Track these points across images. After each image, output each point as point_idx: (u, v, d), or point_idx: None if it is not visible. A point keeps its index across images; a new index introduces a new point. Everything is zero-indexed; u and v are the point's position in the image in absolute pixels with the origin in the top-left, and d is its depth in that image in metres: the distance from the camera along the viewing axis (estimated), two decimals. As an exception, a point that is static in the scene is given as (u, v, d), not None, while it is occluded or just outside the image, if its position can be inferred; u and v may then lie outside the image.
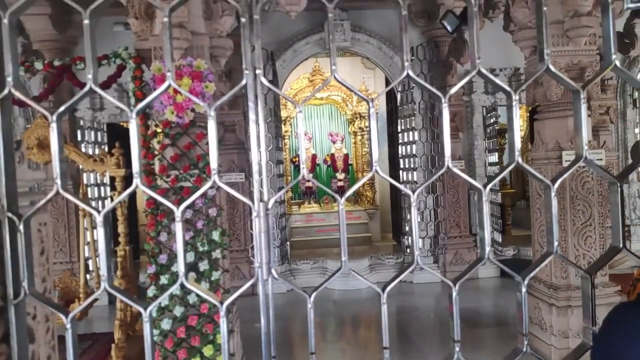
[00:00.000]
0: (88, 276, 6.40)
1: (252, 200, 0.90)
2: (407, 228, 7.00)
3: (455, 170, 0.93)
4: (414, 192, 0.91)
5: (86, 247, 6.34)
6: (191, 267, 3.49)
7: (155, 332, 3.42)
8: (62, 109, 0.88)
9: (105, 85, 3.74)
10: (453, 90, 0.92)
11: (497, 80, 0.93)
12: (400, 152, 7.10)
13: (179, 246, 0.88)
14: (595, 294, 3.82)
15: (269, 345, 0.88)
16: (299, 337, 5.32)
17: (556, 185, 0.96)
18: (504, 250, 6.98)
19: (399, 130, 7.10)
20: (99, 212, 0.87)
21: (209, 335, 3.44)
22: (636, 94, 7.29)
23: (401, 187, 0.92)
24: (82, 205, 0.88)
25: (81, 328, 5.11)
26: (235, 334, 3.78)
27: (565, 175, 0.98)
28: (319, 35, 6.53)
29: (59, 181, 0.87)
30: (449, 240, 6.80)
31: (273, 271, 0.90)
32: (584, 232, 3.86)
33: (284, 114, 8.99)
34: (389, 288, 0.92)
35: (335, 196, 0.91)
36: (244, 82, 0.90)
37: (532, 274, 0.95)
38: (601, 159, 3.92)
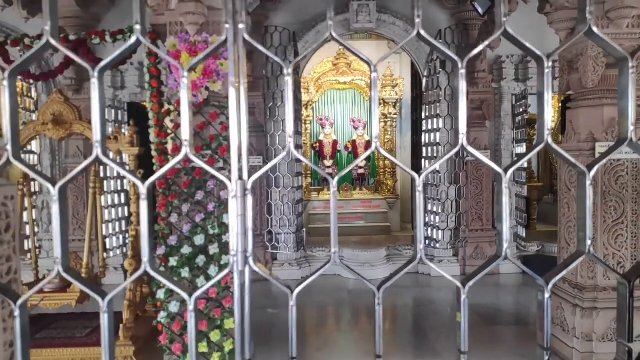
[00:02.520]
0: (105, 255, 6.46)
1: (230, 178, 0.78)
2: (427, 219, 6.81)
3: (470, 149, 0.79)
4: (420, 175, 0.77)
5: (104, 226, 6.39)
6: (201, 249, 3.42)
7: (163, 314, 3.39)
8: (14, 65, 0.77)
9: (120, 61, 3.67)
10: (474, 52, 0.77)
11: (527, 44, 0.77)
12: (423, 140, 6.87)
13: (144, 229, 0.76)
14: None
15: (243, 347, 0.76)
16: (311, 326, 5.24)
17: (592, 172, 0.80)
18: (527, 246, 6.73)
19: (423, 117, 6.87)
20: (54, 184, 0.76)
21: (217, 320, 3.38)
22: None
23: (406, 169, 0.78)
24: (33, 175, 0.77)
25: (94, 306, 5.15)
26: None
27: (604, 161, 0.82)
28: (343, 16, 6.32)
29: (9, 148, 0.76)
30: (470, 234, 6.59)
31: (250, 261, 0.77)
32: (615, 230, 3.62)
33: (305, 98, 8.84)
34: (385, 286, 0.78)
35: (328, 177, 0.78)
36: (223, 37, 0.77)
37: (558, 277, 0.80)
38: None
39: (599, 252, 3.62)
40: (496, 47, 5.99)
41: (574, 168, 0.80)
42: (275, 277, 0.78)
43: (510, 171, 0.78)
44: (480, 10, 5.60)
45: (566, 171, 3.88)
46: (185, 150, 0.76)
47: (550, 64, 0.78)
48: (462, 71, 0.77)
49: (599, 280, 3.61)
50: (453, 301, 5.68)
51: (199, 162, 0.76)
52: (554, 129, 10.73)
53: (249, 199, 0.77)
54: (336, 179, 0.78)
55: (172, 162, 0.78)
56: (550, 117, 0.79)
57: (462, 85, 0.78)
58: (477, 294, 5.88)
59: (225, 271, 0.78)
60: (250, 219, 0.78)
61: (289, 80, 0.77)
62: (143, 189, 0.76)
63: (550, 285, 0.78)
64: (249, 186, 0.77)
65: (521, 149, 6.77)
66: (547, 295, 0.79)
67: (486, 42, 0.80)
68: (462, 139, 0.77)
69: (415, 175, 0.77)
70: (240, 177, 0.77)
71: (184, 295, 0.77)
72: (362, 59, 0.79)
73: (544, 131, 0.79)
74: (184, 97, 0.77)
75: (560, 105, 10.22)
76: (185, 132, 0.77)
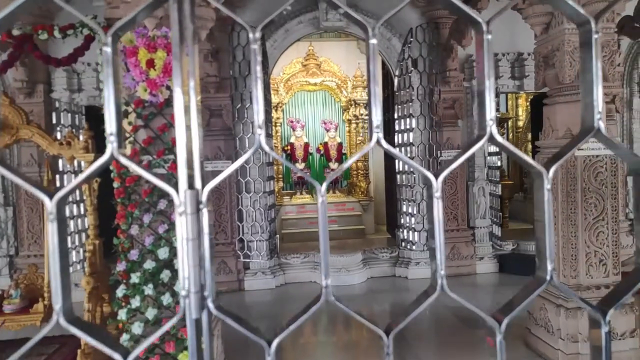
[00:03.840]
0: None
1: (177, 188, 0.55)
2: (402, 221, 6.68)
3: (499, 138, 0.59)
4: (437, 176, 0.57)
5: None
6: (166, 264, 3.15)
7: (125, 337, 3.09)
8: None
9: (72, 58, 3.35)
10: (499, 13, 0.58)
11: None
12: (396, 140, 6.74)
13: (54, 264, 0.53)
14: (603, 296, 3.53)
15: None
16: (288, 338, 5.00)
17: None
18: (503, 245, 6.68)
19: (396, 117, 6.74)
20: None
21: (185, 341, 3.10)
22: (643, 82, 6.96)
23: (422, 169, 0.58)
24: None
25: (56, 328, 4.76)
26: (215, 338, 3.44)
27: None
28: (313, 14, 6.13)
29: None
30: (446, 234, 6.48)
31: (210, 304, 0.55)
32: (596, 227, 3.55)
33: (275, 99, 8.60)
34: (397, 329, 0.58)
35: (315, 183, 0.57)
36: (160, -10, 0.55)
37: (619, 304, 0.61)
38: (617, 148, 3.60)
39: (580, 250, 3.54)
40: (467, 45, 5.93)
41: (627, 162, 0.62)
42: (246, 323, 0.57)
43: (554, 168, 0.59)
44: (450, 7, 5.51)
45: (545, 168, 3.79)
46: (111, 147, 0.53)
47: (599, 27, 0.60)
48: (489, 37, 0.58)
49: (581, 279, 3.53)
50: (432, 305, 5.56)
51: (128, 164, 0.54)
52: (522, 128, 10.84)
53: (205, 215, 0.55)
54: (324, 186, 0.57)
55: (93, 166, 0.55)
56: (601, 93, 0.60)
57: (488, 56, 0.58)
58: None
59: (174, 320, 0.55)
60: (207, 243, 0.56)
61: (255, 50, 0.56)
62: (51, 206, 0.53)
63: (608, 317, 0.60)
64: (204, 197, 0.55)
65: (493, 147, 6.73)
66: (605, 329, 0.60)
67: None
68: (491, 126, 0.57)
69: (432, 176, 0.57)
70: (192, 186, 0.55)
71: (117, 357, 0.54)
72: (355, 20, 0.58)
73: (593, 115, 0.60)
74: (108, 74, 0.54)
75: (528, 104, 10.34)
76: (111, 124, 0.54)
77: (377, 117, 0.56)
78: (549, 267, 0.59)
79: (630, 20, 5.31)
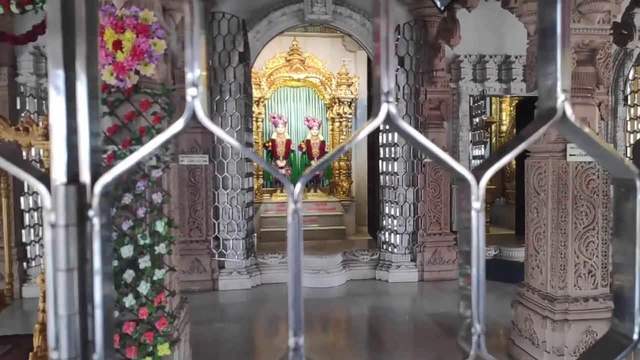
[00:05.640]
0: (26, 264, 5.69)
1: (47, 183, 0.33)
2: (384, 222, 6.50)
3: (572, 117, 0.38)
4: (479, 178, 0.35)
5: (23, 232, 5.62)
6: (129, 263, 2.89)
7: (81, 341, 2.82)
8: None
9: (30, 36, 3.05)
10: None
11: None
12: (380, 140, 6.56)
13: None
14: (596, 307, 3.40)
15: None
16: (262, 338, 4.77)
17: None
18: (485, 251, 6.56)
19: (381, 116, 6.55)
20: None
21: (148, 346, 2.86)
22: (628, 89, 6.95)
23: (459, 167, 0.36)
24: None
25: (15, 325, 4.44)
26: (182, 343, 3.18)
27: None
28: (297, 5, 5.89)
29: None
30: (428, 238, 6.34)
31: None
32: (587, 237, 3.42)
33: (257, 94, 8.34)
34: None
35: (286, 182, 0.35)
36: None
37: None
38: (609, 155, 3.48)
39: (569, 261, 3.40)
40: (456, 44, 5.77)
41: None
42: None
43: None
44: (439, 4, 5.34)
45: (534, 174, 3.65)
46: None
47: None
48: None
49: (569, 290, 3.39)
50: (411, 309, 5.38)
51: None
52: (505, 132, 10.81)
53: (96, 228, 0.33)
54: (298, 186, 0.35)
55: None
56: None
57: (560, 16, 0.37)
58: (436, 302, 5.62)
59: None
60: (98, 275, 0.33)
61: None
62: None
63: None
64: (96, 200, 0.33)
65: (479, 151, 6.61)
66: None
67: None
68: (562, 101, 0.36)
69: (472, 178, 0.35)
70: (74, 180, 0.32)
71: None
72: None
73: None
74: None
75: (512, 108, 10.30)
76: None
77: (390, 78, 0.34)
78: (638, 324, 0.39)
79: (618, 26, 5.24)
